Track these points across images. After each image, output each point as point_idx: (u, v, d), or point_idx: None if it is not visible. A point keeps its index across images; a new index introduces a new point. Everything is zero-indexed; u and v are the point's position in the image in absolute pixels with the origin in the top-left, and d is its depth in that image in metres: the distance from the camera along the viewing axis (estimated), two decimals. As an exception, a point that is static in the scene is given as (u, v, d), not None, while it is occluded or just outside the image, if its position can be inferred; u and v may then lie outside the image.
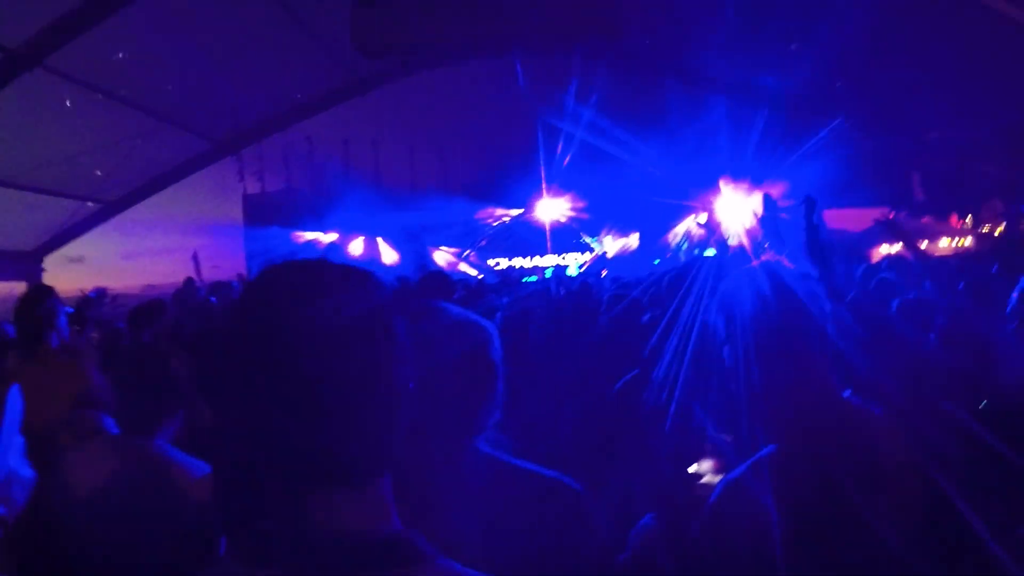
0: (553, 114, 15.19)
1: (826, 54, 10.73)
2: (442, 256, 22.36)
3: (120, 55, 9.37)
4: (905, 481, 1.80)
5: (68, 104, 9.50)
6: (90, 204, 12.32)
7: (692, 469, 2.77)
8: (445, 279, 6.33)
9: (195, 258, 12.81)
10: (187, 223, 15.71)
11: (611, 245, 22.93)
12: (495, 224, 23.28)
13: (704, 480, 2.70)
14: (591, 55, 12.39)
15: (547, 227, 22.63)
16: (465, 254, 23.31)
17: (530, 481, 1.95)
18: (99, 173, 11.51)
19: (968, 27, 9.21)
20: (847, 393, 1.98)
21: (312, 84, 12.70)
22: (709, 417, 2.94)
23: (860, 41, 10.02)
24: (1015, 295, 4.73)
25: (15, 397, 1.79)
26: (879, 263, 11.09)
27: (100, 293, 9.25)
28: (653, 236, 22.23)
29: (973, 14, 8.84)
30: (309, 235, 18.33)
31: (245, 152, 14.70)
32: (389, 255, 21.74)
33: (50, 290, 5.36)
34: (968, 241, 14.83)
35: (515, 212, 22.74)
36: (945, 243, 15.34)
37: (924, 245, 15.17)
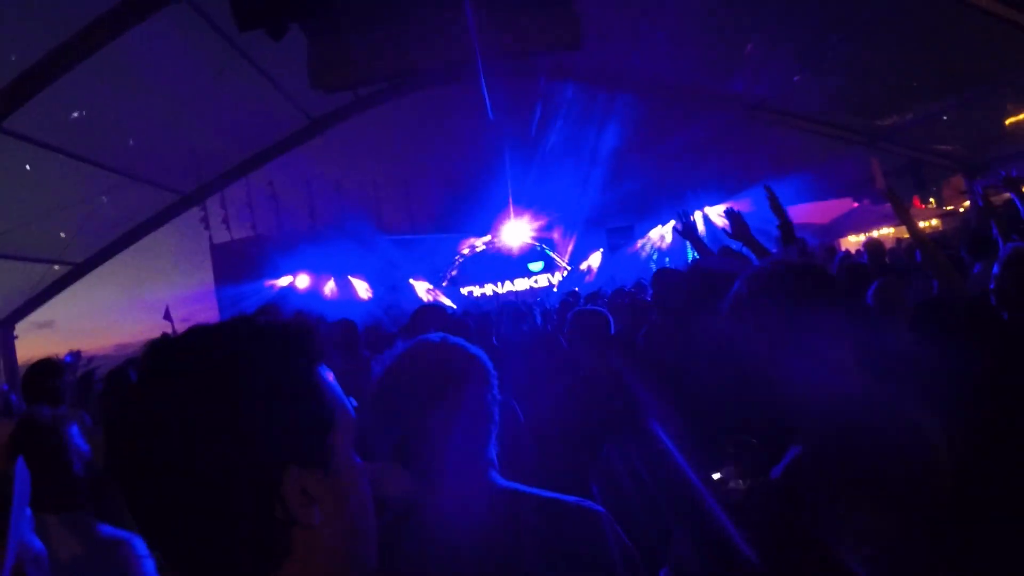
0: (515, 136, 15.26)
1: (780, 50, 10.89)
2: (420, 288, 22.39)
3: (77, 114, 9.27)
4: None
5: (27, 168, 9.37)
6: (57, 267, 12.14)
7: (716, 476, 2.72)
8: (438, 311, 6.28)
9: (167, 314, 12.68)
10: (156, 277, 15.58)
11: (594, 260, 23.17)
12: (466, 253, 23.38)
13: (731, 486, 2.64)
14: (553, 73, 12.47)
15: (515, 251, 22.81)
16: (443, 284, 23.37)
17: (552, 508, 1.94)
18: (63, 235, 11.36)
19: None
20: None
21: (273, 128, 12.65)
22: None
23: (812, 26, 10.18)
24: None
25: (22, 468, 1.74)
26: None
27: (75, 357, 9.10)
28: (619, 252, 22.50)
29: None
30: (281, 281, 18.26)
31: (209, 201, 14.61)
32: (363, 292, 21.72)
33: (63, 366, 5.30)
34: (935, 222, 15.05)
35: (483, 240, 22.86)
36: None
37: (892, 231, 15.44)
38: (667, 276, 5.84)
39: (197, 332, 1.05)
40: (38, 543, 1.82)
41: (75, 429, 3.02)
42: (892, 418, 1.85)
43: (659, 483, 2.00)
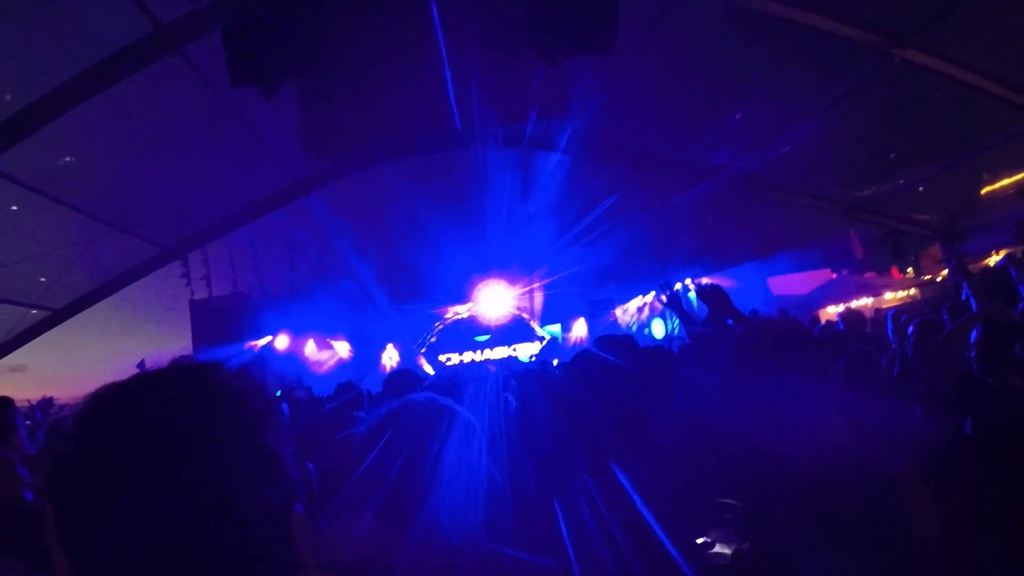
0: (500, 203, 15.38)
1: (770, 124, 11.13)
2: (387, 355, 22.45)
3: (64, 160, 9.33)
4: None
5: (14, 208, 9.38)
6: (34, 312, 12.07)
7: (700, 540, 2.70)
8: (411, 375, 6.33)
9: (142, 367, 12.56)
10: (135, 330, 15.45)
11: (581, 329, 23.17)
12: (447, 320, 23.37)
13: (716, 550, 2.59)
14: (535, 143, 12.66)
15: (495, 320, 22.84)
16: (421, 350, 23.31)
17: (527, 571, 2.00)
18: (43, 280, 11.33)
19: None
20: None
21: (258, 185, 12.73)
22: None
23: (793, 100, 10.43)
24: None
25: None
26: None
27: (47, 403, 9.02)
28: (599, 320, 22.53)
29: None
30: (260, 341, 18.17)
31: (190, 256, 14.62)
32: (344, 352, 21.69)
33: (10, 402, 5.26)
34: (913, 291, 15.18)
35: (464, 307, 22.88)
36: (890, 296, 15.67)
37: (869, 302, 15.60)
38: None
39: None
40: None
41: None
42: (867, 471, 1.90)
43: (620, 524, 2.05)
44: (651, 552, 2.78)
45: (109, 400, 1.01)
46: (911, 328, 6.06)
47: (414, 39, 6.75)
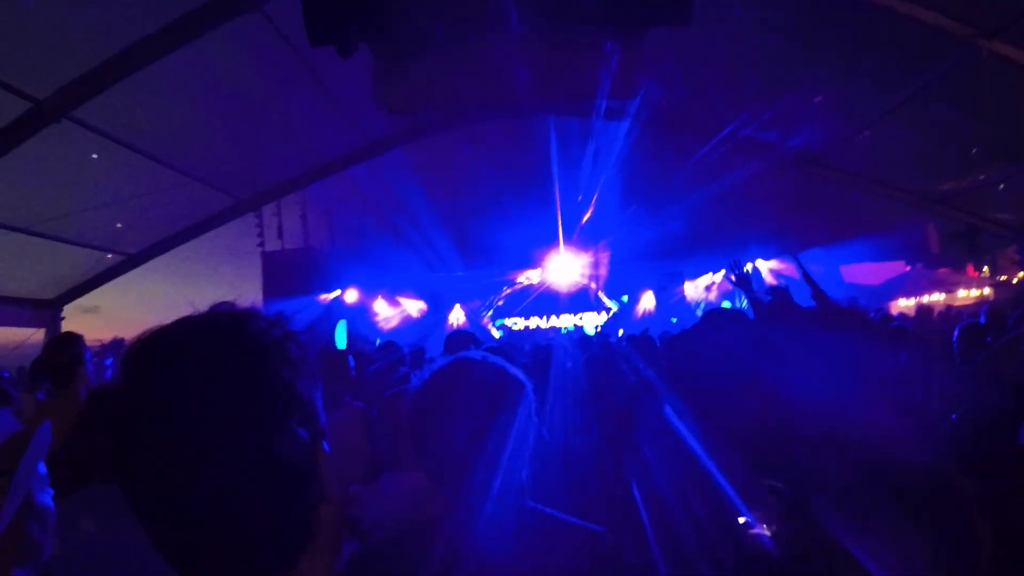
0: (570, 171, 15.30)
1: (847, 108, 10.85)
2: (455, 315, 22.55)
3: (145, 111, 9.53)
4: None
5: (95, 156, 9.65)
6: (110, 256, 12.45)
7: (741, 520, 2.69)
8: (471, 336, 6.43)
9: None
10: (206, 278, 15.82)
11: (649, 301, 23.04)
12: (515, 285, 23.39)
13: (756, 531, 2.60)
14: (608, 114, 12.52)
15: (563, 288, 22.75)
16: (487, 314, 23.42)
17: (577, 535, 2.00)
18: (120, 225, 11.67)
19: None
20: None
21: (332, 144, 12.86)
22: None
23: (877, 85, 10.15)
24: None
25: (45, 428, 1.78)
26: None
27: (117, 344, 9.29)
28: (667, 293, 22.36)
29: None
30: (330, 295, 18.44)
31: (264, 209, 14.85)
32: (415, 311, 21.91)
33: (79, 337, 5.46)
34: (987, 291, 14.79)
35: (533, 273, 22.85)
36: (964, 294, 15.29)
37: (942, 298, 15.22)
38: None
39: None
40: (48, 501, 1.81)
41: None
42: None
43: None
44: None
45: (149, 342, 1.07)
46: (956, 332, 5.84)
47: (485, 5, 6.72)
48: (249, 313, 1.14)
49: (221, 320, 1.12)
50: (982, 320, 6.35)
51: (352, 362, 5.75)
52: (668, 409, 3.34)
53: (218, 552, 1.01)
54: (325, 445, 1.11)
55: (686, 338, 5.15)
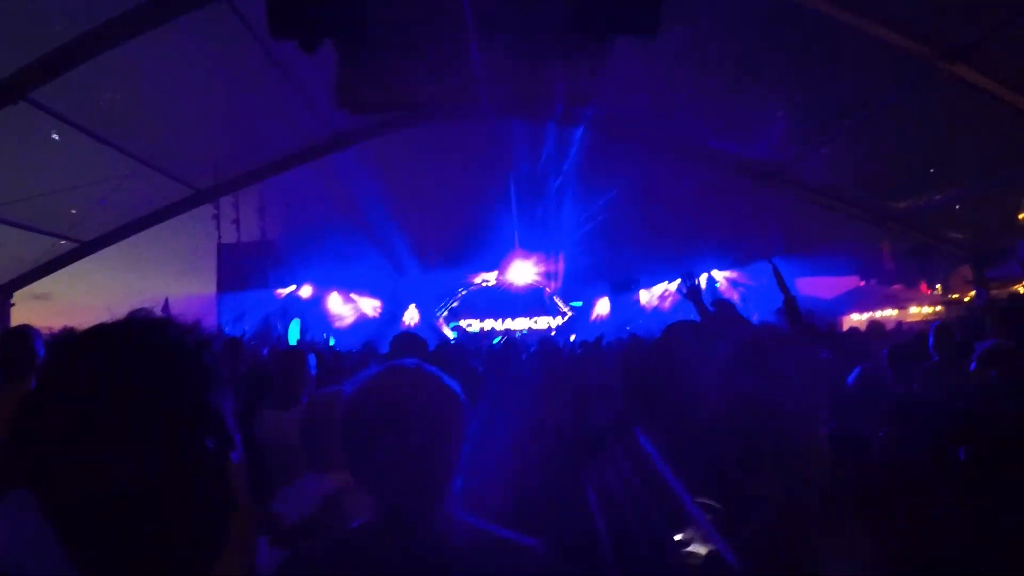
0: (526, 173, 15.37)
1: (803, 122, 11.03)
2: (409, 315, 22.51)
3: (106, 96, 9.44)
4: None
5: (54, 138, 9.51)
6: (63, 242, 12.27)
7: (677, 537, 2.65)
8: (416, 339, 6.42)
9: (166, 307, 12.71)
10: (160, 269, 15.64)
11: (604, 307, 23.18)
12: (472, 287, 23.43)
13: (690, 549, 2.59)
14: (563, 119, 12.60)
15: (519, 288, 22.86)
16: (442, 315, 23.41)
17: (504, 549, 1.95)
18: (74, 212, 11.50)
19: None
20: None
21: (295, 137, 12.80)
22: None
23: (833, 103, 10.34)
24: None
25: None
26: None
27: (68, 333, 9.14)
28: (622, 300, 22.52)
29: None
30: (285, 290, 18.34)
31: (222, 203, 14.73)
32: (370, 309, 21.80)
33: (36, 332, 5.39)
34: (939, 308, 15.08)
35: (490, 275, 22.91)
36: (915, 310, 15.58)
37: (894, 313, 15.49)
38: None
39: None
40: None
41: None
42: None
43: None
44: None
45: (63, 352, 1.10)
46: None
47: (449, 8, 6.76)
48: (162, 322, 1.15)
49: (132, 330, 1.13)
50: (930, 340, 6.43)
51: (314, 361, 5.71)
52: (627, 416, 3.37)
53: (129, 558, 1.02)
54: (234, 456, 1.13)
55: (649, 352, 5.22)
